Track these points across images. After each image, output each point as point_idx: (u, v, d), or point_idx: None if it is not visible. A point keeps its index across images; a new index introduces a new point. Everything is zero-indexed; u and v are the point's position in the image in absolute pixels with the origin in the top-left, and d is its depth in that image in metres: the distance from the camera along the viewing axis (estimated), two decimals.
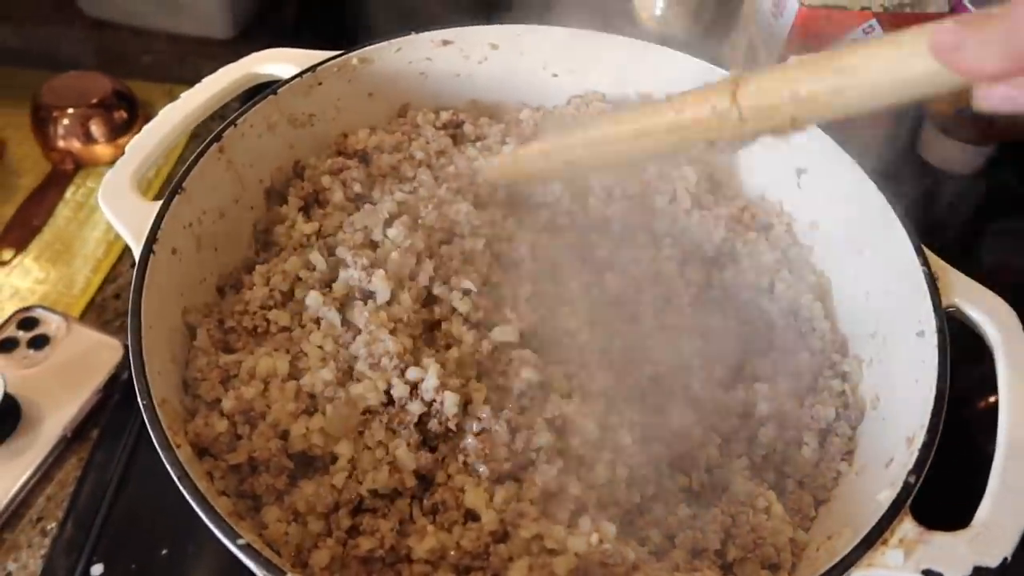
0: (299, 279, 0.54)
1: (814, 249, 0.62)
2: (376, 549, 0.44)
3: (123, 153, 0.55)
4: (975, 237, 0.78)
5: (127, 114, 0.84)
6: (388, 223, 0.54)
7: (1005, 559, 0.40)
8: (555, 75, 0.67)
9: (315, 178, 0.60)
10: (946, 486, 0.44)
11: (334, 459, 0.47)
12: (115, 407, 0.65)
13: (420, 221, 0.55)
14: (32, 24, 0.96)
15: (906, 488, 0.42)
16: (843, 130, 0.58)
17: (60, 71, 0.85)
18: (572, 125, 0.60)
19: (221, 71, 0.59)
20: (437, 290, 0.53)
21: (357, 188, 0.59)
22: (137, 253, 0.49)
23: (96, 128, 0.82)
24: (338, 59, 0.61)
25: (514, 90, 0.68)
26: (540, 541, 0.44)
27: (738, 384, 0.57)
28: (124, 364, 0.65)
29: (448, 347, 0.51)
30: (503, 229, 0.57)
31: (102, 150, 0.82)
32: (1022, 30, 0.34)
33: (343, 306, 0.52)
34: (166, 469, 0.41)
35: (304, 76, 0.60)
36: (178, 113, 0.56)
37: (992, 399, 0.63)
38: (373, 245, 0.55)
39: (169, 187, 0.52)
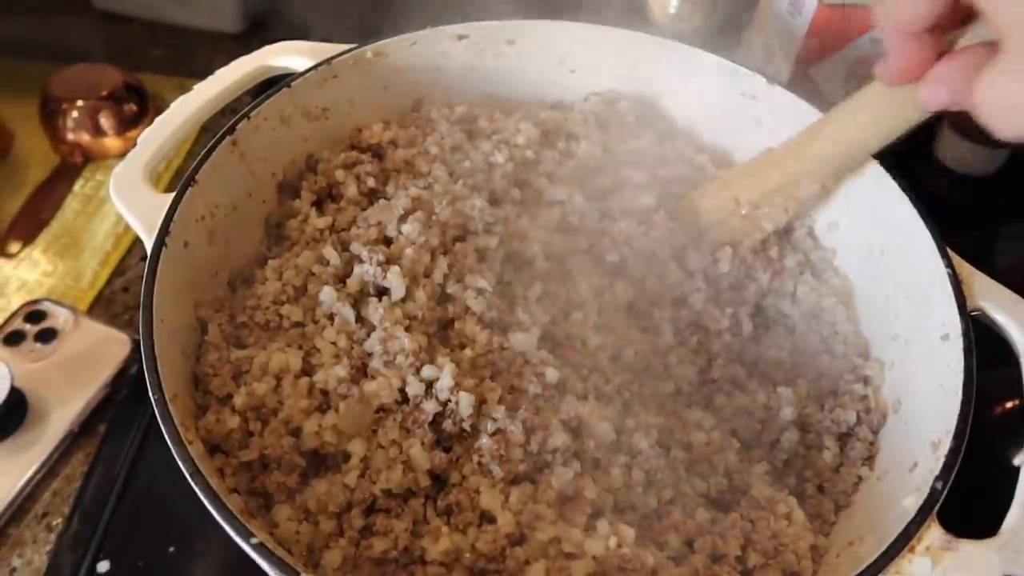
0: (312, 274, 0.53)
1: (836, 252, 0.61)
2: (390, 550, 0.43)
3: (133, 146, 0.54)
4: (992, 239, 0.77)
5: (137, 107, 0.83)
6: (403, 219, 0.54)
7: None
8: (572, 71, 0.67)
9: (328, 172, 0.59)
10: (964, 491, 0.43)
11: (347, 457, 0.46)
12: (123, 402, 0.64)
13: (434, 217, 0.54)
14: (41, 16, 0.96)
15: (933, 494, 0.41)
16: None
17: (70, 63, 0.84)
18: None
19: (235, 63, 0.58)
20: (451, 288, 0.52)
21: (371, 183, 0.58)
22: (149, 246, 0.48)
23: (106, 121, 0.81)
24: (353, 52, 0.60)
25: (530, 86, 0.67)
26: (557, 544, 0.43)
27: (759, 388, 0.56)
28: (132, 359, 0.65)
29: (462, 347, 0.50)
30: (516, 227, 0.57)
31: (111, 143, 0.82)
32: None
33: (357, 302, 0.52)
34: (174, 465, 0.41)
35: (319, 69, 0.59)
36: (191, 105, 0.56)
37: (1010, 404, 0.63)
38: (387, 241, 0.54)
39: (181, 180, 0.51)
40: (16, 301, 0.69)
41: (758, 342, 0.59)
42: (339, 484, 0.45)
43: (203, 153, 0.52)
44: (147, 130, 0.54)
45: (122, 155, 0.53)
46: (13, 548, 0.57)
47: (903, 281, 0.54)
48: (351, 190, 0.58)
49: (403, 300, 0.51)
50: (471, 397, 0.46)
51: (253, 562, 0.42)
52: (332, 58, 0.59)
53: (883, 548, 0.40)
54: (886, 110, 0.51)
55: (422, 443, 0.46)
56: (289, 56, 0.60)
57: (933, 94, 0.45)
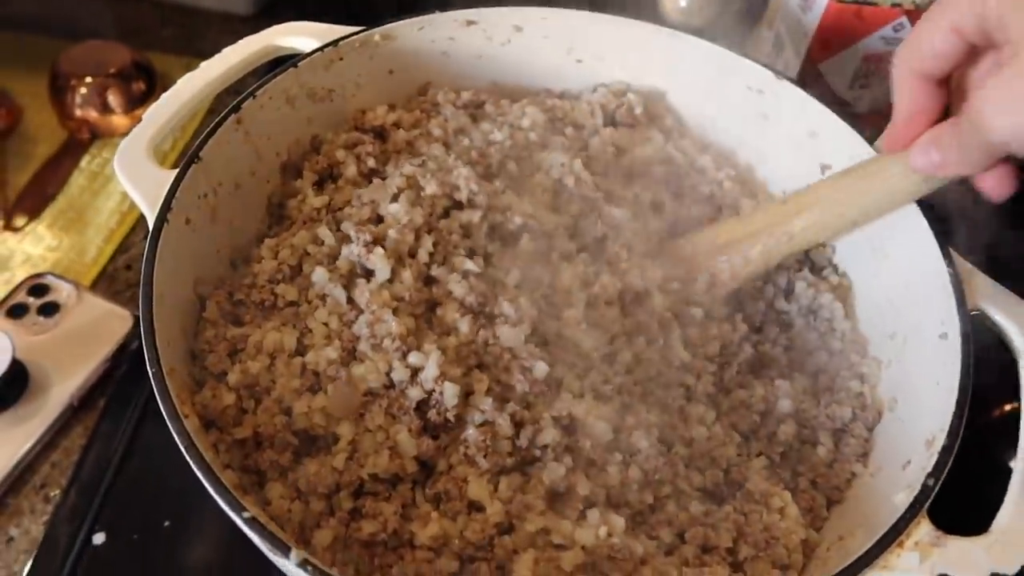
0: (307, 254, 0.53)
1: (836, 249, 0.61)
2: (379, 533, 0.44)
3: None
4: (1002, 244, 0.76)
5: (145, 85, 0.84)
6: (395, 198, 0.54)
7: (1023, 566, 0.40)
8: (580, 60, 0.66)
9: (330, 152, 0.59)
10: (960, 492, 0.43)
11: (336, 440, 0.46)
12: (122, 377, 0.65)
13: (423, 193, 0.54)
14: None
15: (924, 491, 0.41)
16: (870, 130, 0.57)
17: (79, 41, 0.84)
18: None
19: (242, 42, 0.58)
20: (435, 271, 0.52)
21: (371, 163, 0.58)
22: (151, 221, 0.48)
23: (113, 98, 0.82)
24: (360, 35, 0.60)
25: (537, 74, 0.67)
26: (546, 535, 0.44)
27: (756, 383, 0.56)
28: (133, 334, 0.65)
29: (448, 333, 0.50)
30: (502, 200, 0.56)
31: (119, 120, 0.82)
32: (984, 132, 0.41)
33: (348, 283, 0.51)
34: (171, 441, 0.41)
35: (325, 50, 0.59)
36: (197, 82, 0.56)
37: (1008, 407, 0.63)
38: (379, 220, 0.54)
39: (185, 157, 0.52)
40: (20, 274, 0.70)
41: (756, 338, 0.59)
42: (328, 466, 0.45)
43: (208, 130, 0.53)
44: (153, 106, 0.54)
45: (129, 133, 0.53)
46: (11, 518, 0.58)
47: (903, 280, 0.54)
48: (351, 170, 0.58)
49: (389, 281, 0.50)
50: (456, 388, 0.46)
51: (246, 538, 0.42)
52: (339, 40, 0.60)
53: (873, 541, 0.40)
54: (880, 184, 0.51)
55: (409, 429, 0.46)
56: (296, 37, 0.60)
57: (924, 153, 0.46)
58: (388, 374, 0.47)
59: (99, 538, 0.56)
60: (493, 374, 0.49)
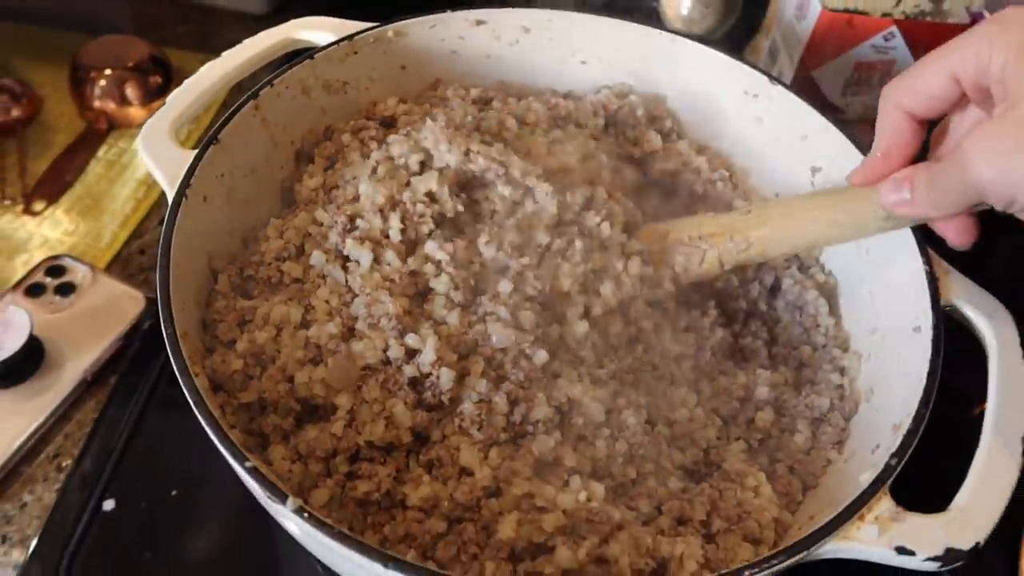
0: (309, 235, 0.56)
1: (824, 248, 0.63)
2: (372, 492, 0.46)
3: None
4: (988, 250, 0.78)
5: (162, 79, 0.86)
6: (373, 171, 0.56)
7: (977, 544, 0.41)
8: (583, 62, 0.69)
9: (338, 139, 0.62)
10: (946, 487, 0.44)
11: (335, 409, 0.49)
12: (134, 355, 0.66)
13: (401, 161, 0.56)
14: None
15: (887, 469, 0.43)
16: (859, 135, 0.59)
17: (99, 36, 0.87)
18: None
19: (262, 34, 0.61)
20: (413, 263, 0.53)
21: (374, 147, 0.60)
22: (171, 196, 0.51)
23: (131, 91, 0.84)
24: (374, 30, 0.63)
25: (543, 75, 0.69)
26: (531, 499, 0.46)
27: (739, 371, 0.58)
28: (145, 315, 0.67)
29: (441, 324, 0.51)
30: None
31: (136, 112, 0.84)
32: (967, 177, 0.41)
33: (345, 265, 0.54)
34: (179, 416, 0.43)
35: (341, 44, 0.62)
36: (218, 70, 0.59)
37: None
38: (357, 199, 0.56)
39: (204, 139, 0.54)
40: (38, 256, 0.72)
41: (741, 331, 0.61)
42: (327, 432, 0.48)
43: (227, 114, 0.55)
44: (176, 90, 0.57)
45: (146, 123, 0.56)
46: (25, 485, 0.60)
47: (885, 279, 0.56)
48: (353, 155, 0.60)
49: (376, 263, 0.52)
50: (452, 373, 0.48)
51: (248, 507, 0.45)
52: (354, 34, 0.62)
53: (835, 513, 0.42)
54: (843, 213, 0.52)
55: (404, 403, 0.48)
56: (314, 31, 0.63)
57: (896, 190, 0.46)
58: (385, 351, 0.49)
59: (108, 505, 0.58)
60: (490, 362, 0.50)
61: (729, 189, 0.66)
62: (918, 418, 0.45)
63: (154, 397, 0.64)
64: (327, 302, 0.52)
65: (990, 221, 0.47)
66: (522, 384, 0.50)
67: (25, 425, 0.61)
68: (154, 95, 0.85)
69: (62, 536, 0.56)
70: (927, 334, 0.49)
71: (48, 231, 0.76)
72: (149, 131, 0.54)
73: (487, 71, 0.69)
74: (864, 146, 0.58)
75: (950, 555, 0.41)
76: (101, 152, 0.83)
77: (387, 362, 0.49)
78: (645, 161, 0.68)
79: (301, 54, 0.61)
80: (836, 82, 0.76)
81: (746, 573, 0.39)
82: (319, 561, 0.50)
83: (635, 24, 0.67)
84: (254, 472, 0.40)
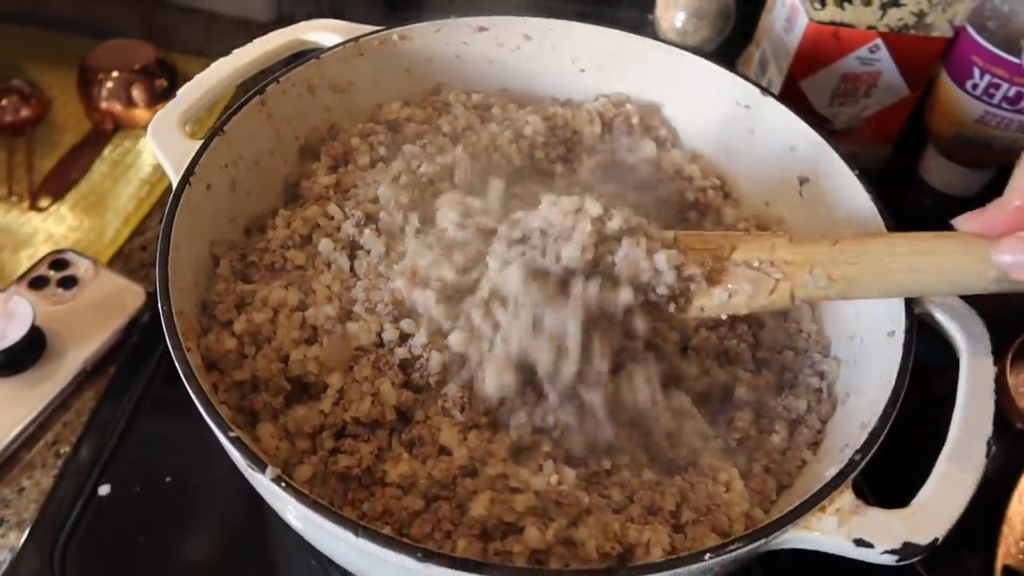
0: (317, 226, 0.58)
1: None
2: (353, 467, 0.48)
3: None
4: None
5: (167, 82, 0.88)
6: (396, 179, 0.58)
7: (936, 539, 0.42)
8: (582, 70, 0.71)
9: (346, 140, 0.64)
10: (920, 487, 0.45)
11: (325, 388, 0.51)
12: (133, 347, 0.68)
13: (420, 169, 0.59)
14: None
15: (850, 464, 0.44)
16: (848, 149, 0.61)
17: (107, 40, 0.89)
18: None
19: (272, 34, 0.64)
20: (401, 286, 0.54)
21: (382, 151, 0.63)
22: (175, 183, 0.53)
23: (137, 93, 0.86)
24: (380, 33, 0.65)
25: (543, 82, 0.71)
26: (505, 479, 0.47)
27: (720, 371, 0.59)
28: (145, 308, 0.69)
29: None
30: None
31: (141, 114, 0.86)
32: None
33: (352, 254, 0.57)
34: (175, 407, 0.44)
35: (346, 45, 0.64)
36: (228, 67, 0.61)
37: None
38: (377, 200, 0.59)
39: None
40: (43, 251, 0.74)
41: (727, 334, 0.62)
42: (315, 409, 0.50)
43: (233, 107, 0.57)
44: (186, 85, 0.59)
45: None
46: (23, 470, 0.61)
47: None
48: (364, 158, 0.63)
49: (387, 255, 0.55)
50: (440, 357, 0.50)
51: (238, 492, 0.45)
52: (360, 36, 0.64)
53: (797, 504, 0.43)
54: (951, 266, 0.45)
55: (392, 383, 0.50)
56: (321, 32, 0.65)
57: (1019, 250, 0.40)
58: (379, 334, 0.52)
59: (104, 490, 0.59)
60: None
61: (720, 197, 0.68)
62: (884, 417, 0.46)
63: (151, 388, 0.65)
64: (328, 287, 0.54)
65: None
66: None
67: (25, 413, 0.62)
68: (159, 97, 0.87)
69: (58, 519, 0.57)
70: (899, 338, 0.50)
71: (53, 227, 0.78)
72: (159, 121, 0.57)
73: (489, 77, 0.71)
74: (849, 156, 0.60)
75: (908, 549, 0.42)
76: (107, 152, 0.85)
77: (380, 344, 0.51)
78: (640, 168, 0.69)
79: (308, 55, 0.63)
80: (823, 93, 0.77)
81: (707, 555, 0.40)
82: (311, 547, 0.50)
83: (633, 35, 0.69)
84: (237, 442, 0.42)
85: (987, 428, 0.46)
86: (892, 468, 0.47)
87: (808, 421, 0.56)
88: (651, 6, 0.91)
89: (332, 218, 0.58)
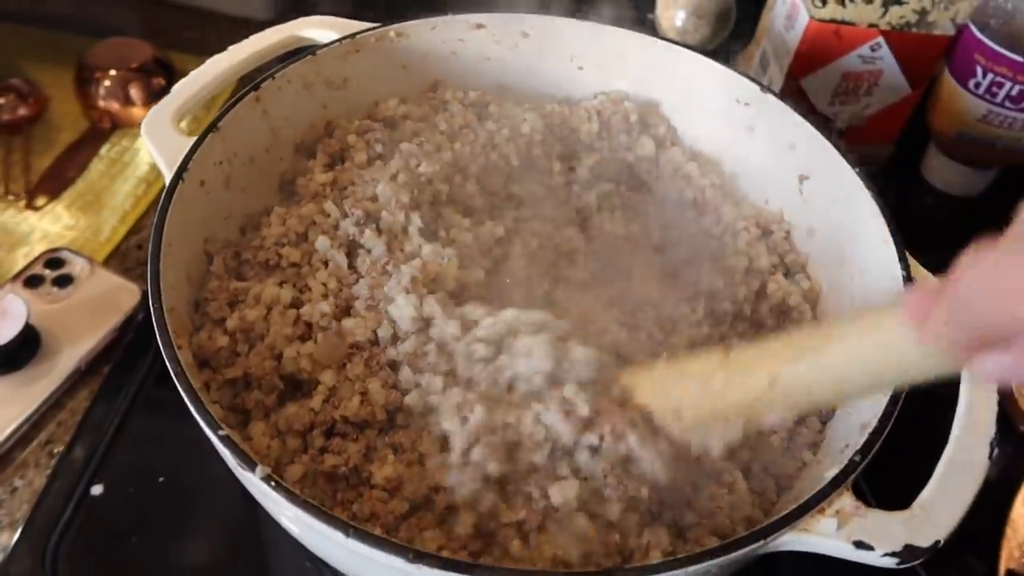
0: (314, 223, 0.57)
1: (809, 257, 0.64)
2: (340, 466, 0.47)
3: None
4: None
5: (165, 81, 0.87)
6: (394, 177, 0.58)
7: (937, 542, 0.42)
8: (581, 68, 0.70)
9: (343, 137, 0.63)
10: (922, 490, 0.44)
11: (318, 385, 0.50)
12: (128, 346, 0.67)
13: (420, 168, 0.58)
14: None
15: (850, 465, 0.44)
16: (849, 148, 0.60)
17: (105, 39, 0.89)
18: None
19: (269, 30, 0.63)
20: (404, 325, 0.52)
21: (379, 148, 0.62)
22: (168, 179, 0.52)
23: (135, 91, 0.86)
24: (376, 30, 0.65)
25: (541, 79, 0.71)
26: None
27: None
28: (140, 307, 0.68)
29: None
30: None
31: (138, 112, 0.86)
32: (966, 305, 0.31)
33: (350, 252, 0.56)
34: (168, 407, 0.44)
35: (343, 42, 0.64)
36: (223, 63, 0.60)
37: None
38: (377, 199, 0.58)
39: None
40: (39, 249, 0.73)
41: (728, 333, 0.62)
42: (306, 407, 0.49)
43: (228, 103, 0.57)
44: (181, 81, 0.59)
45: None
46: (17, 470, 0.60)
47: (867, 287, 0.57)
48: (360, 155, 0.62)
49: (388, 253, 0.55)
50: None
51: (231, 493, 0.45)
52: (356, 33, 0.64)
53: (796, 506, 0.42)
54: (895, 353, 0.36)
55: (383, 383, 0.49)
56: (318, 29, 0.65)
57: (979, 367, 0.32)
58: (375, 331, 0.51)
59: (97, 489, 0.58)
60: None
61: (719, 195, 0.67)
62: (885, 417, 0.46)
63: (145, 387, 0.65)
64: (324, 284, 0.54)
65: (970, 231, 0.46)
66: None
67: (19, 412, 0.61)
68: (157, 96, 0.86)
69: (50, 519, 0.57)
70: None
71: (49, 225, 0.77)
72: (153, 118, 0.56)
73: (486, 74, 0.70)
74: (849, 155, 0.59)
75: (909, 552, 0.41)
76: (103, 150, 0.84)
77: (375, 342, 0.51)
78: (638, 166, 0.69)
79: (304, 51, 0.63)
80: (824, 91, 0.77)
81: (705, 558, 0.40)
82: (304, 548, 0.50)
83: (632, 32, 0.68)
84: (226, 440, 0.41)
85: (990, 429, 0.46)
86: (893, 469, 0.47)
87: (808, 422, 0.55)
88: (651, 5, 0.91)
89: (329, 216, 0.57)
